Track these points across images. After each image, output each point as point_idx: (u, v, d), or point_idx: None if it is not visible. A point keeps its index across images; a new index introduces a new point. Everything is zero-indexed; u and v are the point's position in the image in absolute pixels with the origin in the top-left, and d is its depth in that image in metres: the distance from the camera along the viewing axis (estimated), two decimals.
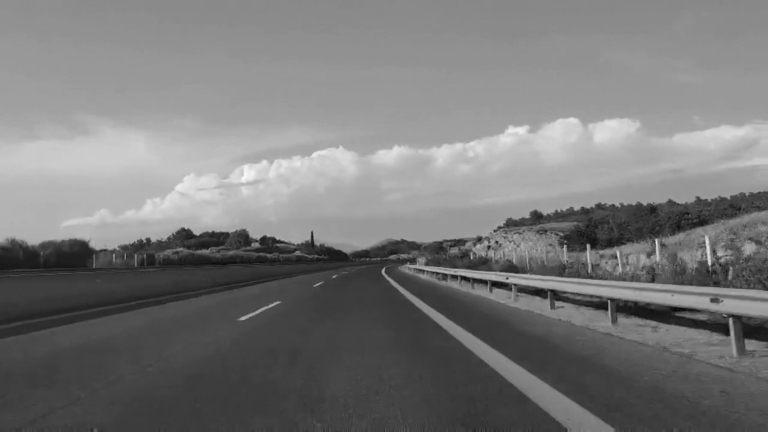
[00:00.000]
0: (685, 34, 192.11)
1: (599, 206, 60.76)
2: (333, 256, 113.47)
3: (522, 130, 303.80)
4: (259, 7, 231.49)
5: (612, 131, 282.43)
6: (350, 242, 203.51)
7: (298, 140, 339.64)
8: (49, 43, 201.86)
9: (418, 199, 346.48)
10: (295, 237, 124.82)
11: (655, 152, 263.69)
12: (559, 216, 66.50)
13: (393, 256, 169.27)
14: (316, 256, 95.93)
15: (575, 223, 55.60)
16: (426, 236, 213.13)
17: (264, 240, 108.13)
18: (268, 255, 74.79)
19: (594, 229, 39.68)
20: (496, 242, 53.67)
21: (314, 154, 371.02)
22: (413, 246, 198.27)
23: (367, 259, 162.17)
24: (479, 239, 60.68)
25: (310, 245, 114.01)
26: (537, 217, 66.72)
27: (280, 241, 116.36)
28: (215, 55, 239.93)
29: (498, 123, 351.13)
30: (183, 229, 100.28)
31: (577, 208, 71.91)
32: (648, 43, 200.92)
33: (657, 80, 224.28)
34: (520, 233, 53.72)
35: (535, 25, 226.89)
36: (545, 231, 50.58)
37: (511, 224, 65.55)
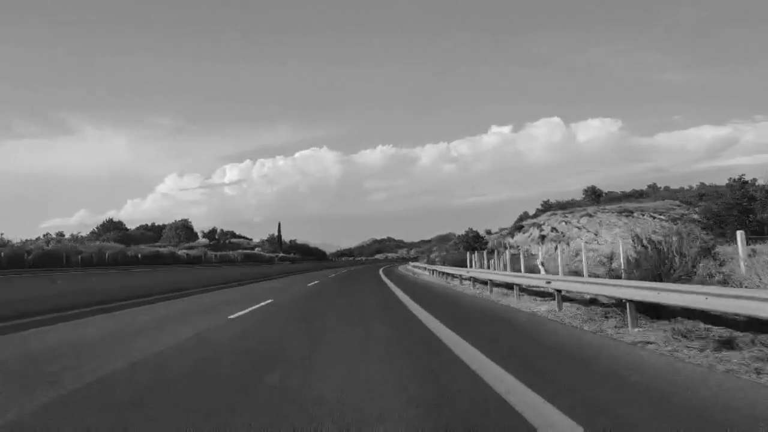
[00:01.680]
0: (667, 33, 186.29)
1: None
2: (307, 255, 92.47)
3: (506, 130, 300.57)
4: (237, 5, 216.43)
5: (595, 130, 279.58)
6: (333, 242, 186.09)
7: (282, 140, 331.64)
8: (27, 41, 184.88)
9: (402, 198, 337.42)
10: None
11: (637, 151, 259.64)
12: (630, 196, 48.90)
13: (379, 255, 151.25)
14: (281, 254, 75.73)
15: (671, 201, 38.33)
16: (411, 235, 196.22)
17: (212, 234, 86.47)
18: (215, 254, 56.37)
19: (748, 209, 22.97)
20: (554, 230, 35.06)
21: (297, 154, 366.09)
22: (400, 244, 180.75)
23: (351, 258, 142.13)
24: (519, 227, 42.17)
25: (275, 241, 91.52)
26: (596, 195, 48.96)
27: (238, 236, 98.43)
28: (196, 54, 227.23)
29: (482, 122, 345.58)
30: (110, 221, 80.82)
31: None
32: (629, 42, 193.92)
33: (638, 79, 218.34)
34: (590, 216, 35.69)
35: (517, 24, 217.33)
36: (631, 213, 33.65)
37: (556, 207, 47.68)
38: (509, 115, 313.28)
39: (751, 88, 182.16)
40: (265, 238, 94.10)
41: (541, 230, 37.24)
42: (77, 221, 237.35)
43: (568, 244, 31.09)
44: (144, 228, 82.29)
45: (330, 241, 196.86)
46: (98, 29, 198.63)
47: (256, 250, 77.59)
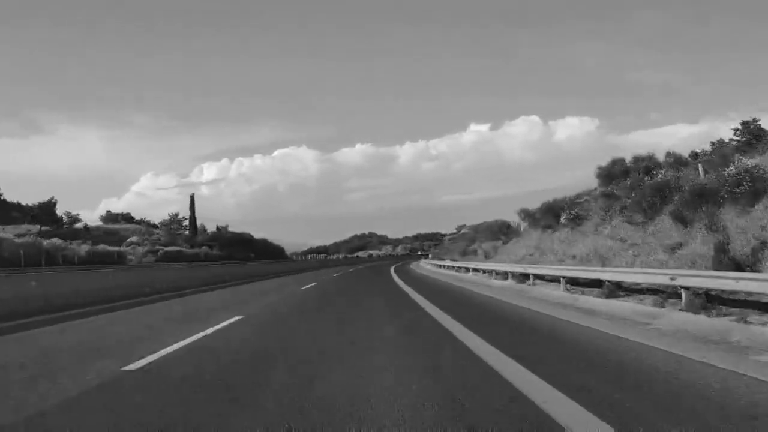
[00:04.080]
0: (645, 32, 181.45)
1: None
2: (237, 252, 55.78)
3: (484, 128, 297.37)
4: (214, 2, 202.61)
5: (572, 129, 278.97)
6: (314, 242, 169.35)
7: (260, 138, 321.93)
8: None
9: (382, 196, 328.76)
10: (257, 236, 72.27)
11: (614, 149, 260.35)
12: None
13: (361, 253, 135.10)
14: (162, 248, 44.64)
15: None
16: (392, 233, 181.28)
17: (45, 207, 52.56)
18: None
19: None
20: None
21: (276, 153, 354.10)
22: (384, 240, 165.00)
23: (323, 257, 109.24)
24: None
25: (190, 226, 59.39)
26: None
27: (127, 217, 65.09)
28: (173, 51, 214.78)
29: (460, 121, 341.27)
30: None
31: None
32: (606, 40, 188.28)
33: (615, 77, 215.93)
34: None
35: (496, 22, 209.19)
36: None
37: None
38: (488, 113, 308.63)
39: (727, 85, 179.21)
40: (167, 219, 61.53)
41: None
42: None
43: None
44: None
45: (307, 240, 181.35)
46: (73, 26, 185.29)
47: (133, 239, 46.27)
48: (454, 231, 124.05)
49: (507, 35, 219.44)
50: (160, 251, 41.25)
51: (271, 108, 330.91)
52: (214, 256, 48.25)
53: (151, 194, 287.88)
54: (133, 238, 45.03)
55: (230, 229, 65.57)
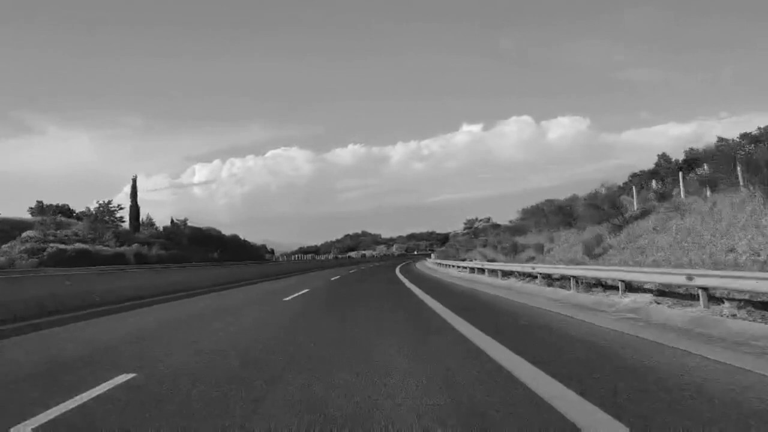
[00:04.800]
0: (635, 31, 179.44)
1: None
2: (196, 253, 43.05)
3: (477, 128, 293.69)
4: (207, 4, 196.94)
5: (564, 128, 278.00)
6: (304, 241, 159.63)
7: (253, 139, 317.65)
8: None
9: (374, 196, 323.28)
10: (249, 237, 58.47)
11: (605, 148, 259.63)
12: None
13: (354, 254, 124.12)
14: (58, 246, 30.07)
15: None
16: (386, 233, 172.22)
17: None
18: None
19: None
20: None
21: (269, 153, 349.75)
22: (378, 240, 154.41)
23: (310, 257, 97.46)
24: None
25: (132, 218, 46.04)
26: None
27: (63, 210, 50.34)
28: (165, 53, 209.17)
29: (453, 121, 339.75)
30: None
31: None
32: (598, 40, 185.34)
33: (606, 77, 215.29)
34: None
35: (487, 22, 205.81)
36: None
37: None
38: (480, 113, 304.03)
39: (716, 85, 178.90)
40: (95, 209, 46.82)
41: None
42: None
43: None
44: None
45: (303, 242, 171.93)
46: (63, 29, 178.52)
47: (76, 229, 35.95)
48: (465, 227, 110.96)
49: (503, 35, 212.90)
50: (48, 251, 29.65)
51: (263, 109, 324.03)
52: (155, 258, 36.61)
53: (142, 195, 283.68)
54: (30, 233, 33.60)
55: (191, 224, 50.47)
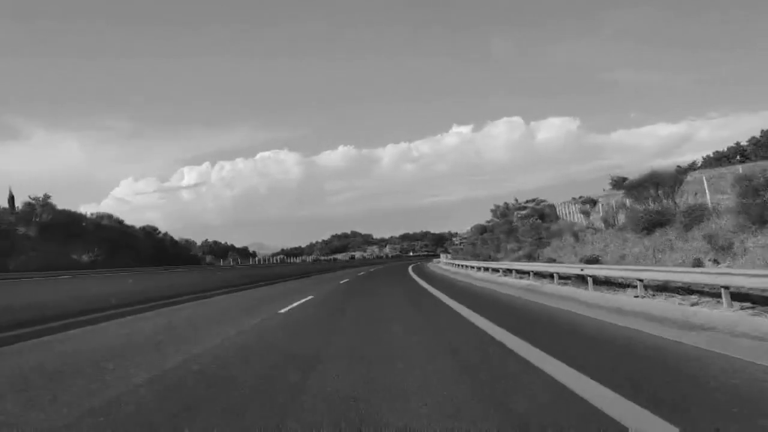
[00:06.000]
0: (624, 31, 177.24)
1: None
2: (65, 248, 30.02)
3: (466, 129, 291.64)
4: (193, 6, 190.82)
5: (554, 129, 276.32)
6: (293, 243, 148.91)
7: (241, 142, 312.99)
8: None
9: (364, 198, 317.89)
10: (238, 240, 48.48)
11: (594, 149, 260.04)
12: None
13: (340, 255, 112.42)
14: None
15: None
16: (377, 233, 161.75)
17: None
18: None
19: None
20: None
21: (258, 156, 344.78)
22: (369, 240, 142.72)
23: (280, 259, 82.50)
24: None
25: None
26: None
27: None
28: (152, 55, 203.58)
29: (443, 122, 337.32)
30: None
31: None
32: (587, 40, 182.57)
33: (595, 77, 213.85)
34: None
35: (476, 22, 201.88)
36: None
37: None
38: (470, 114, 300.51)
39: (704, 86, 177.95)
40: None
41: None
42: None
43: None
44: None
45: (291, 243, 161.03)
46: (50, 31, 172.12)
47: None
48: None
49: (495, 36, 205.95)
50: None
51: (253, 111, 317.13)
52: None
53: (130, 199, 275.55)
54: None
55: (61, 207, 34.15)
